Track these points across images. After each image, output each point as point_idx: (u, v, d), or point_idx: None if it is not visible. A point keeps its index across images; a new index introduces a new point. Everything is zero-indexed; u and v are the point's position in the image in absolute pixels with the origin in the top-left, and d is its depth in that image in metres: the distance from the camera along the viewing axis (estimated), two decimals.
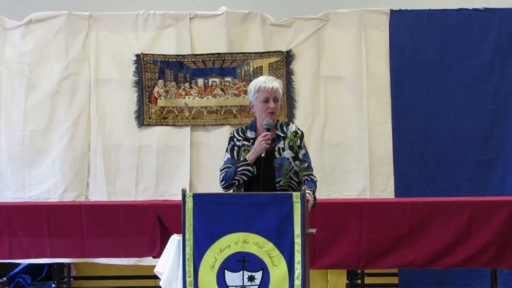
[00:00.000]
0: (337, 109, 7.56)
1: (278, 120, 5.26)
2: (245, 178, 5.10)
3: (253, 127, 5.24)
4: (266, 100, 5.12)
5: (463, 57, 7.44)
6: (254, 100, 5.17)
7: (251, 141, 5.19)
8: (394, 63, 7.49)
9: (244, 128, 5.28)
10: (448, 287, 7.25)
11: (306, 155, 5.24)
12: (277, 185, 5.10)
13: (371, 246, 6.19)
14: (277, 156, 5.14)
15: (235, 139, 5.24)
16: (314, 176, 5.21)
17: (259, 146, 5.06)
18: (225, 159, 5.23)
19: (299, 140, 5.22)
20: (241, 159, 5.15)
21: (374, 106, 7.51)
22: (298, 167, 5.19)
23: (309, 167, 5.23)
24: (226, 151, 5.26)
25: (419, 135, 7.46)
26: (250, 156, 5.09)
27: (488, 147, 7.41)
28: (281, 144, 5.18)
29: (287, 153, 5.17)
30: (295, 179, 5.18)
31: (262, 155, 5.06)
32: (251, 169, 5.09)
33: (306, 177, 5.17)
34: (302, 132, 5.27)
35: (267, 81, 5.15)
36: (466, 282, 7.20)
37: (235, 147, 5.22)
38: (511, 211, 6.14)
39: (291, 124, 5.31)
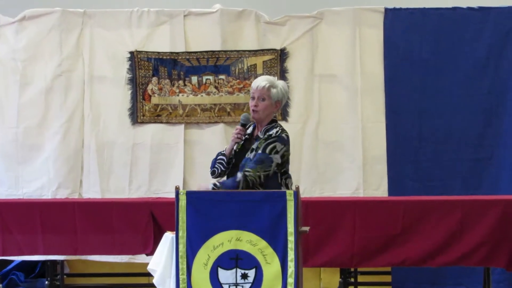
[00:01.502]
0: (331, 107, 7.54)
1: (275, 122, 5.31)
2: (222, 168, 5.32)
3: (254, 123, 5.39)
4: (252, 98, 5.30)
5: (457, 56, 7.44)
6: None
7: (247, 136, 5.37)
8: (388, 61, 7.48)
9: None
10: (441, 286, 7.26)
11: (256, 155, 5.17)
12: None
13: (364, 245, 6.18)
14: (246, 156, 5.22)
15: None
16: (248, 172, 5.10)
17: (231, 139, 5.32)
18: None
19: (263, 141, 5.21)
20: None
21: (368, 104, 7.50)
22: None
23: (245, 166, 5.18)
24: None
25: (413, 133, 7.46)
26: (226, 148, 5.36)
27: (481, 146, 7.41)
28: (255, 145, 5.23)
29: (252, 155, 5.21)
30: None
31: (234, 148, 5.30)
32: (225, 159, 5.31)
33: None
34: (275, 137, 5.20)
35: (256, 80, 5.34)
36: (459, 280, 7.20)
37: None
38: (504, 210, 6.14)
39: (276, 129, 5.28)
